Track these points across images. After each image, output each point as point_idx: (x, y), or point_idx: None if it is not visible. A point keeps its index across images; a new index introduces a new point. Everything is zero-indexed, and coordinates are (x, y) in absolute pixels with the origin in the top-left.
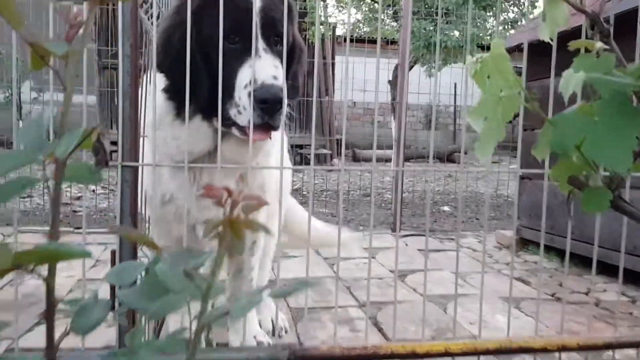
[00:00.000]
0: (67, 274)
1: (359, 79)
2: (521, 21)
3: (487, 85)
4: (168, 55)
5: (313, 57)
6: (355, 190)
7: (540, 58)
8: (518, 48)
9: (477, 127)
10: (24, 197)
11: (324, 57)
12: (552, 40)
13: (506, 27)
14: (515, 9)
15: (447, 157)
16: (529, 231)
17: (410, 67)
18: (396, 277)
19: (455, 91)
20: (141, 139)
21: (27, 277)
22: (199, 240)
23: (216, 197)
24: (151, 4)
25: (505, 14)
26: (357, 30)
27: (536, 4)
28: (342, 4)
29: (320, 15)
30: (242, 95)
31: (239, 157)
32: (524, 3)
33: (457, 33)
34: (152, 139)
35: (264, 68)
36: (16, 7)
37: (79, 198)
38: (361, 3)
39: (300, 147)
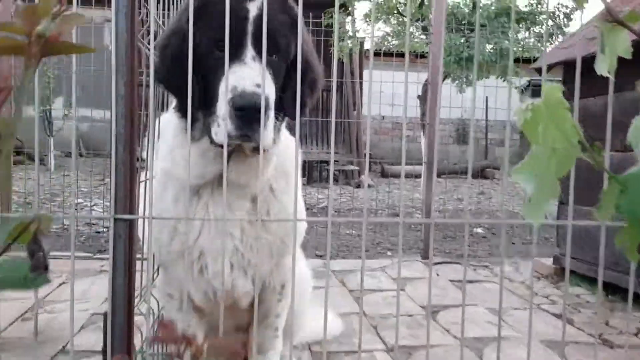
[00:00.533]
0: (81, 307)
1: (387, 93)
2: (557, 35)
3: (540, 136)
4: (164, 63)
5: (342, 73)
6: (383, 209)
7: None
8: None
9: (525, 185)
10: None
11: (352, 72)
12: (609, 73)
13: (541, 40)
14: (550, 22)
15: (480, 173)
16: (570, 261)
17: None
18: (429, 319)
19: (487, 105)
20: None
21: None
22: (211, 285)
23: (171, 342)
24: (148, 29)
25: (540, 27)
26: (385, 43)
27: (572, 16)
28: (369, 18)
29: (348, 30)
30: (222, 105)
31: (247, 179)
32: (558, 16)
33: (489, 47)
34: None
35: (246, 75)
36: None
37: (103, 219)
38: (390, 17)
39: (327, 162)
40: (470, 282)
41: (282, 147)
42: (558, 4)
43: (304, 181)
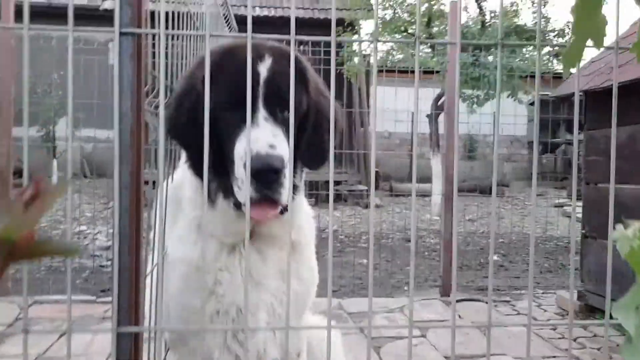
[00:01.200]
0: None
1: (393, 110)
2: None
3: None
4: (179, 120)
5: (349, 91)
6: (394, 232)
7: (602, 105)
8: (571, 97)
9: (626, 325)
10: None
11: (359, 90)
12: None
13: (550, 58)
14: (560, 39)
15: (489, 190)
16: (596, 298)
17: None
18: None
19: (494, 121)
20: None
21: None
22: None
23: None
24: (157, 92)
25: (550, 46)
26: (390, 57)
27: None
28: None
29: (355, 50)
30: (239, 168)
31: (279, 229)
32: (568, 33)
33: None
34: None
35: (259, 137)
36: None
37: (108, 248)
38: (395, 35)
39: (335, 183)
40: (495, 325)
41: (298, 199)
42: (568, 22)
43: (312, 202)
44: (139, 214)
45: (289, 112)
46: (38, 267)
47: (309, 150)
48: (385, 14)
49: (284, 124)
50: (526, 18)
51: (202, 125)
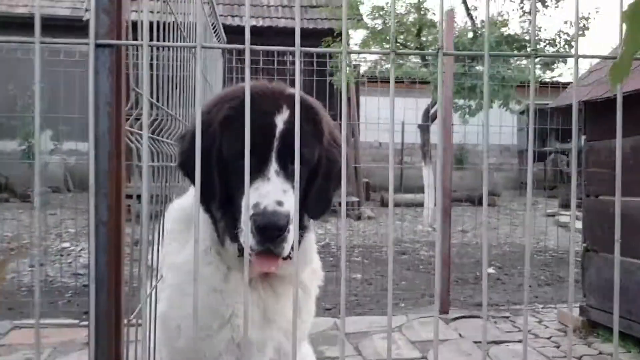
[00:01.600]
0: None
1: (384, 119)
2: (558, 61)
3: None
4: (192, 157)
5: (340, 101)
6: (387, 245)
7: (603, 116)
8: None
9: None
10: (33, 266)
11: (349, 100)
12: None
13: (543, 67)
14: (551, 49)
15: (479, 201)
16: (599, 313)
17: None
18: None
19: (483, 130)
20: None
21: None
22: None
23: None
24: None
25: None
26: (378, 67)
27: (572, 42)
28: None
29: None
30: (246, 219)
31: (291, 269)
32: (559, 42)
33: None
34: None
35: (269, 193)
36: None
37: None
38: (384, 44)
39: None
40: (496, 342)
41: (310, 244)
42: (559, 31)
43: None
44: (119, 253)
45: (300, 165)
46: (19, 290)
47: (316, 201)
48: (376, 24)
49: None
50: (516, 27)
51: (213, 168)
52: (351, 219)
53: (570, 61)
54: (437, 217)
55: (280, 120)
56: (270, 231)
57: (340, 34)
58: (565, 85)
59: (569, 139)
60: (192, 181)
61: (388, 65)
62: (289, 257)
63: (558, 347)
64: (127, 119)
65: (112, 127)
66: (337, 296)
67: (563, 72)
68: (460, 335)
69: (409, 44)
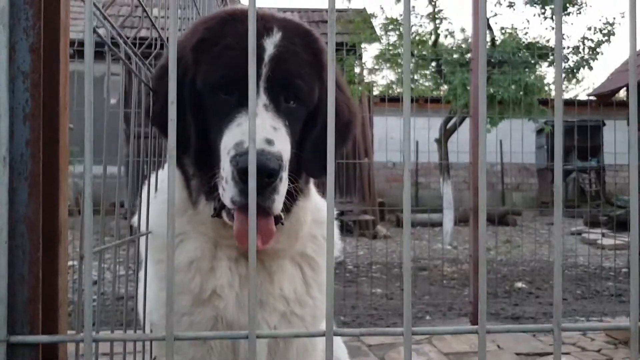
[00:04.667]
0: None
1: (397, 139)
2: (583, 68)
3: None
4: (158, 101)
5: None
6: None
7: None
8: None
9: None
10: None
11: (362, 118)
12: None
13: (569, 76)
14: (575, 57)
15: (499, 220)
16: None
17: (460, 122)
18: None
19: (501, 149)
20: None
21: None
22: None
23: None
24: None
25: (565, 62)
26: (389, 92)
27: (598, 49)
28: (377, 65)
29: (356, 74)
30: (226, 164)
31: (286, 244)
32: (583, 49)
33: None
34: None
35: (255, 129)
36: None
37: (96, 282)
38: (394, 65)
39: (341, 213)
40: (540, 355)
41: (316, 211)
42: (582, 38)
43: None
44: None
45: (296, 101)
46: None
47: (315, 153)
48: (390, 36)
49: (288, 115)
50: (534, 33)
51: (187, 107)
52: (366, 238)
53: (592, 70)
54: (470, 221)
55: (269, 43)
56: (258, 176)
57: (353, 47)
58: (583, 103)
59: (590, 158)
60: (162, 132)
61: (400, 90)
62: (279, 221)
63: (611, 359)
64: None
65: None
66: (354, 309)
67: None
68: (498, 346)
69: (424, 54)
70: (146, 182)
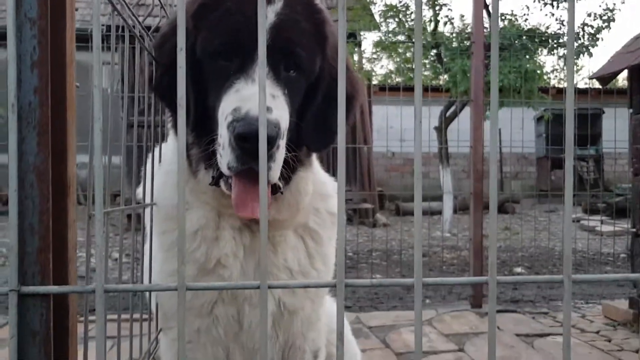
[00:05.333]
0: None
1: (396, 129)
2: (583, 55)
3: None
4: (158, 68)
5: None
6: (406, 249)
7: None
8: (617, 72)
9: None
10: None
11: (361, 106)
12: None
13: (565, 61)
14: (575, 44)
15: (498, 208)
16: None
17: (455, 116)
18: None
19: (500, 137)
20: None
21: None
22: (244, 335)
23: None
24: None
25: (563, 49)
26: (388, 81)
27: (598, 36)
28: (376, 55)
29: (355, 62)
30: (223, 130)
31: (288, 214)
32: (583, 36)
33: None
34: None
35: (253, 95)
36: None
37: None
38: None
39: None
40: (540, 335)
41: (319, 184)
42: (582, 24)
43: None
44: None
45: (296, 70)
46: None
47: (315, 125)
48: (389, 23)
49: (287, 84)
50: (534, 20)
51: (187, 75)
52: (366, 226)
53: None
54: (470, 207)
55: (271, 11)
56: (253, 142)
57: (351, 35)
58: (583, 91)
59: (587, 145)
60: (162, 100)
61: (399, 79)
62: (278, 190)
63: (609, 340)
64: None
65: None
66: (356, 294)
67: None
68: (499, 328)
69: (423, 42)
70: (150, 154)
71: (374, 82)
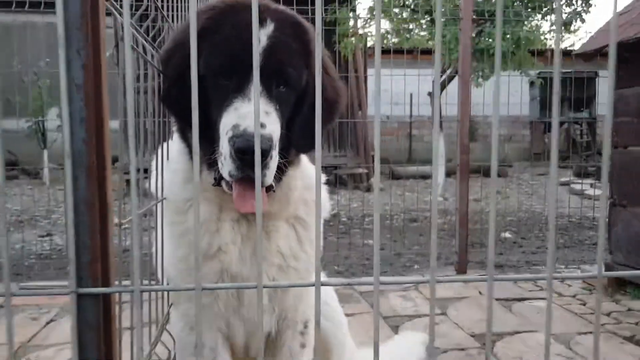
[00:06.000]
0: (68, 355)
1: (389, 92)
2: (575, 21)
3: None
4: (165, 80)
5: (346, 71)
6: (398, 214)
7: (635, 61)
8: (600, 52)
9: None
10: (42, 236)
11: (356, 71)
12: None
13: (566, 29)
14: (568, 9)
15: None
16: (626, 270)
17: (451, 79)
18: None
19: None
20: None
21: None
22: (244, 309)
23: None
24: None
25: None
26: (385, 42)
27: (590, 1)
28: (372, 15)
29: (351, 27)
30: (224, 143)
31: (278, 208)
32: (577, 1)
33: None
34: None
35: (250, 114)
36: None
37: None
38: (389, 14)
39: (335, 167)
40: (519, 300)
41: (307, 179)
42: None
43: None
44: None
45: (285, 87)
46: (27, 255)
47: (302, 131)
48: None
49: (278, 99)
50: None
51: (190, 89)
52: (360, 191)
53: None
54: (457, 177)
55: (263, 34)
56: (250, 155)
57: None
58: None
59: (582, 108)
60: (169, 110)
61: (395, 40)
62: (271, 189)
63: (584, 304)
64: None
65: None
66: (348, 260)
67: (574, 42)
68: (480, 293)
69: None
70: (155, 152)
71: (370, 43)
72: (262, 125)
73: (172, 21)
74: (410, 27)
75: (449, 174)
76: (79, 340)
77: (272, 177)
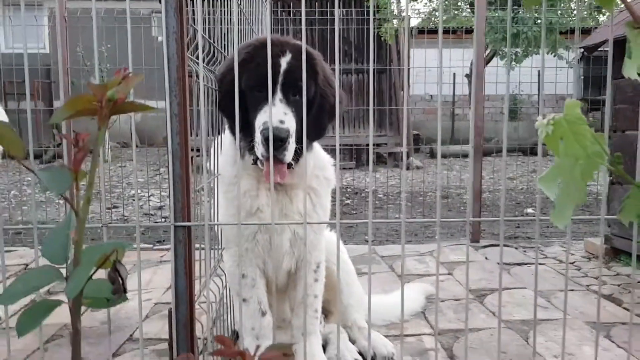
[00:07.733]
0: (145, 297)
1: (434, 72)
2: None
3: (561, 149)
4: (220, 93)
5: (388, 55)
6: (433, 191)
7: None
8: (599, 46)
9: (549, 193)
10: (109, 208)
11: (399, 52)
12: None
13: (592, 13)
14: None
15: (531, 150)
16: (621, 240)
17: (489, 60)
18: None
19: (539, 79)
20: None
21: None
22: (273, 251)
23: (229, 356)
24: (196, 46)
25: None
26: (432, 19)
27: None
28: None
29: (393, 10)
30: (257, 134)
31: (298, 181)
32: None
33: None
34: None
35: (274, 114)
36: None
37: (160, 208)
38: None
39: (375, 145)
40: (519, 264)
41: (318, 160)
42: None
43: (353, 165)
44: (187, 145)
45: (299, 96)
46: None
47: (312, 126)
48: None
49: (294, 104)
50: None
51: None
52: (400, 169)
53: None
54: (470, 154)
55: (284, 61)
56: (274, 142)
57: None
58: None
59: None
60: (223, 114)
61: (444, 17)
62: (291, 166)
63: (579, 269)
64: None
65: (179, 50)
66: (379, 230)
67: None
68: (486, 258)
69: None
70: (214, 140)
71: (414, 24)
72: (282, 122)
73: (223, 50)
74: (459, 3)
75: (485, 153)
76: (175, 255)
77: (291, 157)
